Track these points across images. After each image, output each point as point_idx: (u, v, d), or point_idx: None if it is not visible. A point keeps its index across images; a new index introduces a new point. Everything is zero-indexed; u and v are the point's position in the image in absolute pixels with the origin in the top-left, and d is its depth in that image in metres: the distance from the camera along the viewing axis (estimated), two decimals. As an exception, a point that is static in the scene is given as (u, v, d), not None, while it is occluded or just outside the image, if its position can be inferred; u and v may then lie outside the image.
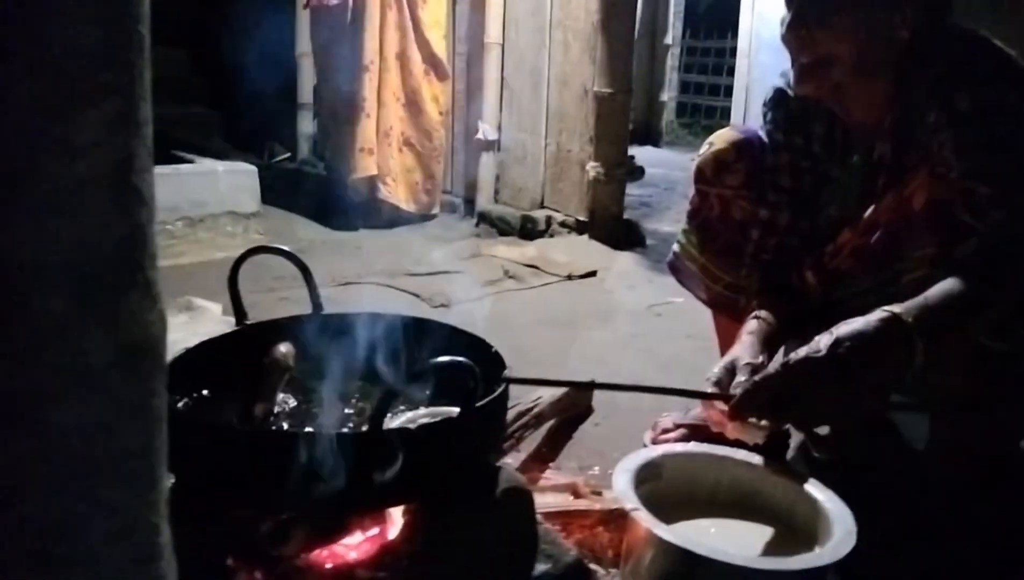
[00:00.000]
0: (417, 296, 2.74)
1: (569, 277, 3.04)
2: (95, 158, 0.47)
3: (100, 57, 0.46)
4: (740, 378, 1.25)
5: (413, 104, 3.80)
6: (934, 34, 1.28)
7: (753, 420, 1.21)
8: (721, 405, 1.22)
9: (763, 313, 1.40)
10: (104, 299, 0.48)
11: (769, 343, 1.36)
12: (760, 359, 1.30)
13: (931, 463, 1.39)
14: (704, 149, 1.59)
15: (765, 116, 1.53)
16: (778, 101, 1.49)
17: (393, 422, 1.10)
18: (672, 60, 7.96)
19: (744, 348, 1.32)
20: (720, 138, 1.58)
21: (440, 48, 3.79)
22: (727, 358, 1.32)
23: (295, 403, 1.21)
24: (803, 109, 1.43)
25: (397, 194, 3.83)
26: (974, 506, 1.32)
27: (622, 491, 1.21)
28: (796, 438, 1.70)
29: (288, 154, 4.95)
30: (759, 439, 1.25)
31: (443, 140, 3.94)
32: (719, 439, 1.44)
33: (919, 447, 1.53)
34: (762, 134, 1.54)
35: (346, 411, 1.21)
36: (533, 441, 1.65)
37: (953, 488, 1.33)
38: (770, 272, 1.51)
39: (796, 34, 1.30)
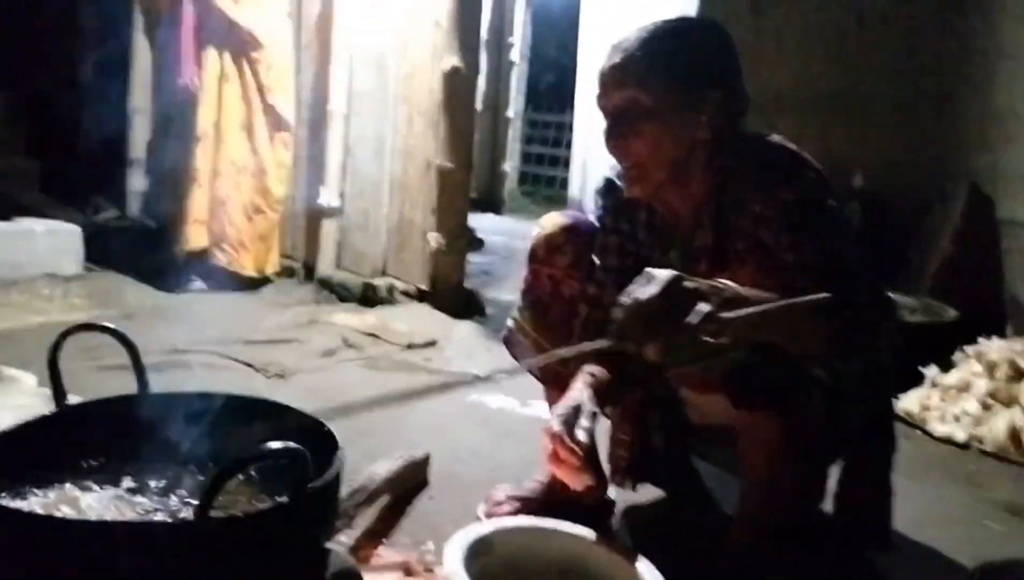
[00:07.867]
0: (251, 366, 2.67)
1: (409, 346, 3.05)
2: None
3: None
4: (583, 422, 1.37)
5: (260, 172, 3.76)
6: (735, 133, 1.43)
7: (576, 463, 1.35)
8: (568, 455, 1.34)
9: (595, 369, 1.49)
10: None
11: (600, 395, 1.46)
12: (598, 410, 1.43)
13: (737, 528, 1.50)
14: (536, 232, 1.71)
15: (596, 202, 1.66)
16: (607, 190, 1.63)
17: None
18: (514, 132, 8.24)
19: (582, 397, 1.43)
20: (550, 222, 1.71)
21: (288, 111, 3.79)
22: (569, 401, 1.42)
23: (117, 490, 1.16)
24: (629, 199, 1.54)
25: (240, 261, 3.74)
26: (770, 572, 1.44)
27: (452, 569, 1.24)
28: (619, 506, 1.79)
29: (116, 212, 4.72)
30: (589, 482, 1.38)
31: (284, 205, 3.91)
32: (550, 511, 1.50)
33: (728, 511, 1.66)
34: (591, 218, 1.66)
35: (173, 497, 1.17)
36: (367, 517, 1.64)
37: (754, 553, 1.44)
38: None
39: (613, 143, 1.45)
